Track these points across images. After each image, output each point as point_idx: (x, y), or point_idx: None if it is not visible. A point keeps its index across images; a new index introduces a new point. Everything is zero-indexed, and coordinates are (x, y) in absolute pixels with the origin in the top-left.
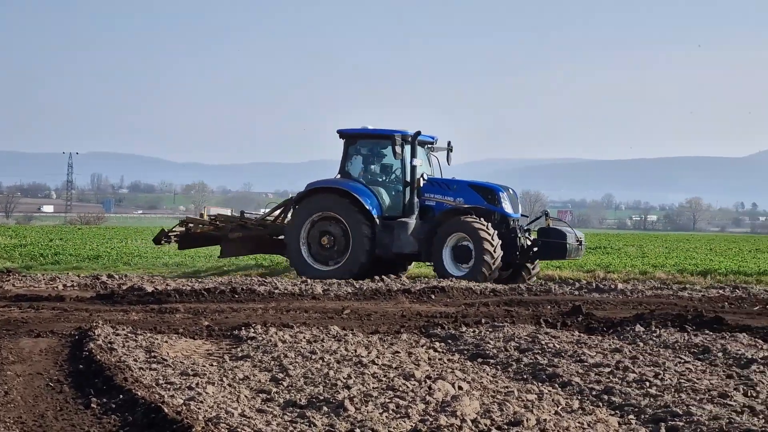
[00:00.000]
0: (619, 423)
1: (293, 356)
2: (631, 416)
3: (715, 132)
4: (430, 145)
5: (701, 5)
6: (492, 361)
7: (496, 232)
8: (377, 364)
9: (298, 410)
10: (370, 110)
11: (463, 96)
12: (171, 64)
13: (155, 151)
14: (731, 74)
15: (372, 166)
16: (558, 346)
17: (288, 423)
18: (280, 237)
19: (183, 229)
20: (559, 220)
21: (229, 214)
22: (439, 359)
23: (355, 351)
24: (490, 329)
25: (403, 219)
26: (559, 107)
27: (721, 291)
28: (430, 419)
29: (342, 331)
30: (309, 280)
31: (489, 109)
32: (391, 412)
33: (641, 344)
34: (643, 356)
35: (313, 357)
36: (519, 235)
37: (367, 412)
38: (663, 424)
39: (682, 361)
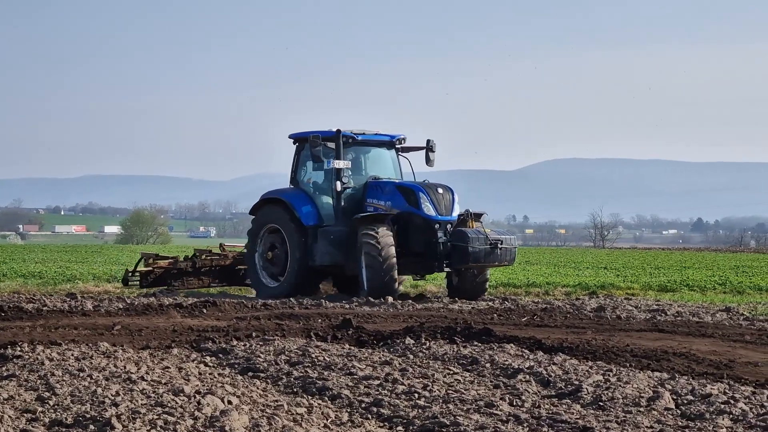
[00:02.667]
0: None
1: (60, 374)
2: (399, 428)
3: (486, 145)
4: (398, 146)
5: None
6: (262, 374)
7: (391, 241)
8: (147, 380)
9: (63, 429)
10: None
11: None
12: None
13: None
14: (499, 89)
15: (316, 172)
16: (328, 359)
17: None
18: (203, 277)
19: (145, 268)
20: (476, 220)
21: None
22: (209, 374)
23: (125, 367)
24: (261, 343)
25: (325, 227)
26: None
27: (490, 303)
28: None
29: (112, 347)
30: (79, 296)
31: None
32: (159, 428)
33: (411, 356)
34: (413, 368)
35: (81, 374)
36: (441, 239)
37: (135, 430)
38: None
39: (451, 372)
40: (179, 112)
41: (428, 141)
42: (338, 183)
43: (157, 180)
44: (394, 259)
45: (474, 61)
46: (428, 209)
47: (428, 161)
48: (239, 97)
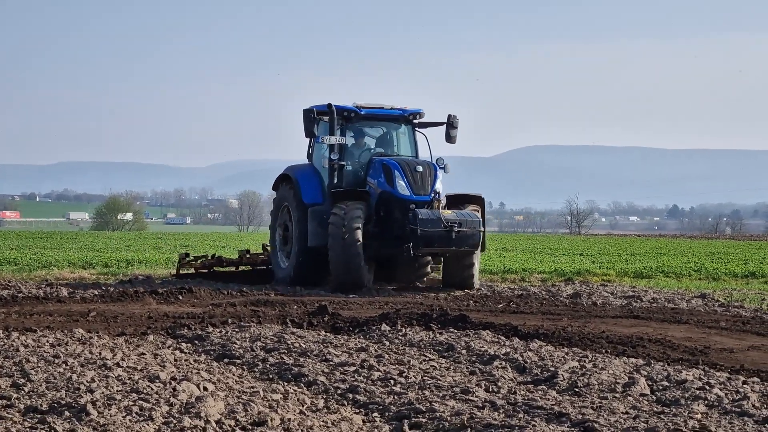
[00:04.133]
0: (363, 421)
1: (36, 361)
2: (375, 414)
3: (464, 131)
4: (414, 121)
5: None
6: (238, 361)
7: (357, 224)
8: (122, 367)
9: (39, 416)
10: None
11: None
12: None
13: None
14: (478, 75)
15: (326, 148)
16: (304, 346)
17: (28, 429)
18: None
19: (189, 268)
20: (441, 202)
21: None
22: (185, 360)
23: (100, 354)
24: (236, 329)
25: (316, 207)
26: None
27: (466, 289)
28: (174, 421)
29: (87, 334)
30: (55, 283)
31: None
32: (134, 415)
33: (387, 343)
34: (389, 355)
35: (56, 361)
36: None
37: (110, 416)
38: (406, 420)
39: (427, 359)
40: (155, 99)
41: (449, 116)
42: (325, 160)
43: (133, 167)
44: (359, 243)
45: (455, 48)
46: (402, 188)
47: (449, 138)
48: (217, 84)
